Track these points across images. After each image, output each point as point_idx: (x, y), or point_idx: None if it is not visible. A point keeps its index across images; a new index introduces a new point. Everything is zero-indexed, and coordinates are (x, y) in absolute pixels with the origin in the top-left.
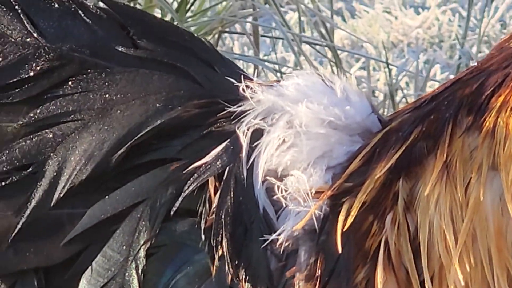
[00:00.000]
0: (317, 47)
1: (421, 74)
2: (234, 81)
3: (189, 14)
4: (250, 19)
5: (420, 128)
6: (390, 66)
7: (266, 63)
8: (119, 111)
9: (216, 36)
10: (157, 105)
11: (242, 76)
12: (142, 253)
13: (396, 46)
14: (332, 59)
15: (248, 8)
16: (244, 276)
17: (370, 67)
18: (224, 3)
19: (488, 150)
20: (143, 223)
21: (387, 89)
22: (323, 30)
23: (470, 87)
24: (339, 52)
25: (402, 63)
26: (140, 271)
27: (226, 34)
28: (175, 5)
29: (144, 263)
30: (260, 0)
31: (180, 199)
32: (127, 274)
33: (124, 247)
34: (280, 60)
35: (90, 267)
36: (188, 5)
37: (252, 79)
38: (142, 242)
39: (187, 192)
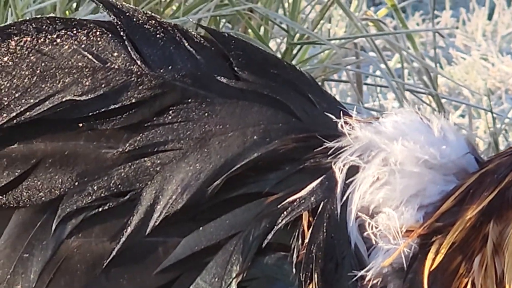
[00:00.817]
0: (418, 94)
1: None
2: (333, 116)
3: (293, 62)
4: (353, 67)
5: None
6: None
7: (369, 111)
8: (217, 142)
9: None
10: (255, 137)
11: (341, 112)
12: (234, 286)
13: (493, 93)
14: (433, 106)
15: (351, 56)
16: None
17: (470, 115)
18: (327, 51)
19: None
20: (236, 256)
21: (487, 136)
22: (425, 78)
23: None
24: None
25: (500, 110)
26: None
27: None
28: (279, 54)
29: None
30: (363, 48)
31: (273, 232)
32: None
33: (217, 279)
34: (380, 108)
35: None
36: (293, 54)
37: (351, 115)
38: (234, 275)
39: (280, 225)
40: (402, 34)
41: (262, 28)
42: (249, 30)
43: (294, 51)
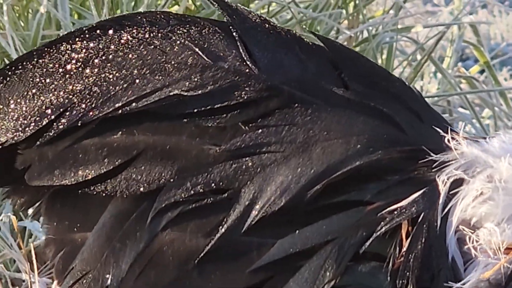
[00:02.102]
0: None
1: None
2: (439, 131)
3: None
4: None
5: None
6: None
7: None
8: (320, 148)
9: None
10: (358, 146)
11: (448, 128)
12: None
13: None
14: None
15: (444, 114)
16: None
17: None
18: None
19: None
20: (330, 262)
21: None
22: None
23: None
24: None
25: None
26: None
27: None
28: None
29: None
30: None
31: (371, 240)
32: None
33: (309, 284)
34: None
35: None
36: None
37: (457, 132)
38: (326, 280)
39: (378, 233)
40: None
41: None
42: None
43: None
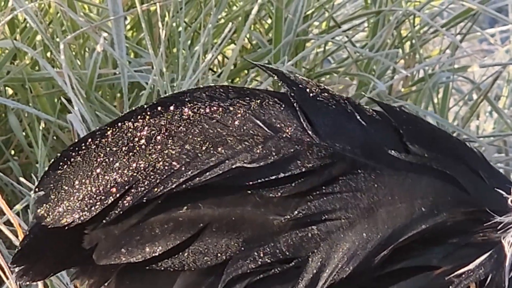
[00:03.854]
0: None
1: None
2: (503, 192)
3: None
4: (503, 165)
5: None
6: None
7: None
8: (385, 213)
9: None
10: (423, 209)
11: (511, 188)
12: None
13: None
14: None
15: (500, 153)
16: None
17: None
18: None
19: None
20: None
21: None
22: None
23: None
24: None
25: None
26: None
27: None
28: None
29: None
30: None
31: None
32: None
33: None
34: None
35: None
36: None
37: None
38: None
39: None
40: None
41: None
42: None
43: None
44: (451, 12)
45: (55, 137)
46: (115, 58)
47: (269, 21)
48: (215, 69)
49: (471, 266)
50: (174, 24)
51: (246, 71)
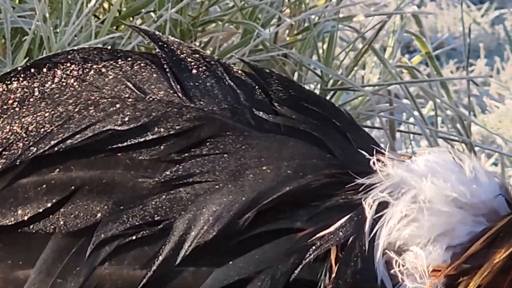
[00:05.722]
0: (451, 141)
1: None
2: (366, 154)
3: None
4: (387, 114)
5: None
6: None
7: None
8: (251, 175)
9: None
10: (289, 171)
11: (374, 149)
12: None
13: None
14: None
15: (385, 103)
16: None
17: (503, 163)
18: (361, 98)
19: None
20: None
21: None
22: (459, 126)
23: None
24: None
25: None
26: None
27: None
28: None
29: None
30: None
31: (300, 267)
32: None
33: None
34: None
35: None
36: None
37: (384, 153)
38: None
39: (308, 261)
40: (436, 82)
41: (296, 74)
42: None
43: (328, 97)
44: None
45: None
46: None
47: None
48: (100, 16)
49: (332, 228)
50: None
51: (131, 18)
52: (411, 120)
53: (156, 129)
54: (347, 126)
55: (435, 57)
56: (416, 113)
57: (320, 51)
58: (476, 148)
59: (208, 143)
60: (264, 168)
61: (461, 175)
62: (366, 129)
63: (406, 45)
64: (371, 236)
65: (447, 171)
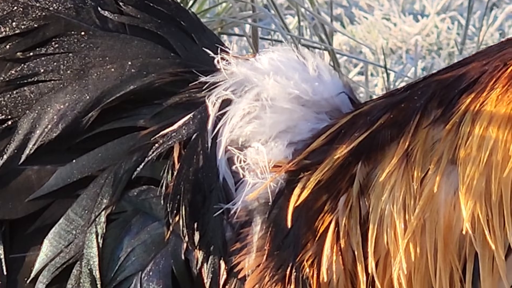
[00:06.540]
0: (316, 50)
1: None
2: (210, 52)
3: None
4: (249, 21)
5: (388, 114)
6: (388, 72)
7: None
8: (95, 74)
9: None
10: (132, 70)
11: (219, 48)
12: (102, 218)
13: (394, 53)
14: (330, 63)
15: (248, 11)
16: (199, 244)
17: (368, 72)
18: (224, 4)
19: (450, 143)
20: (106, 189)
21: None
22: (322, 34)
23: (446, 80)
24: (337, 56)
25: (401, 69)
26: (100, 236)
27: (225, 37)
28: None
29: (104, 228)
30: (260, 3)
31: (143, 165)
32: (87, 238)
33: (86, 212)
34: None
35: (53, 229)
36: (188, 6)
37: (228, 52)
38: (103, 207)
39: (150, 158)
40: None
41: None
42: None
43: (190, 2)
44: None
45: None
46: None
47: None
48: None
49: (175, 126)
50: None
51: None
52: (273, 27)
53: (1, 28)
54: (192, 25)
55: None
56: (278, 20)
57: None
58: (344, 58)
59: (53, 42)
60: (108, 67)
61: (304, 73)
62: (229, 37)
63: None
64: (214, 133)
65: (291, 69)
